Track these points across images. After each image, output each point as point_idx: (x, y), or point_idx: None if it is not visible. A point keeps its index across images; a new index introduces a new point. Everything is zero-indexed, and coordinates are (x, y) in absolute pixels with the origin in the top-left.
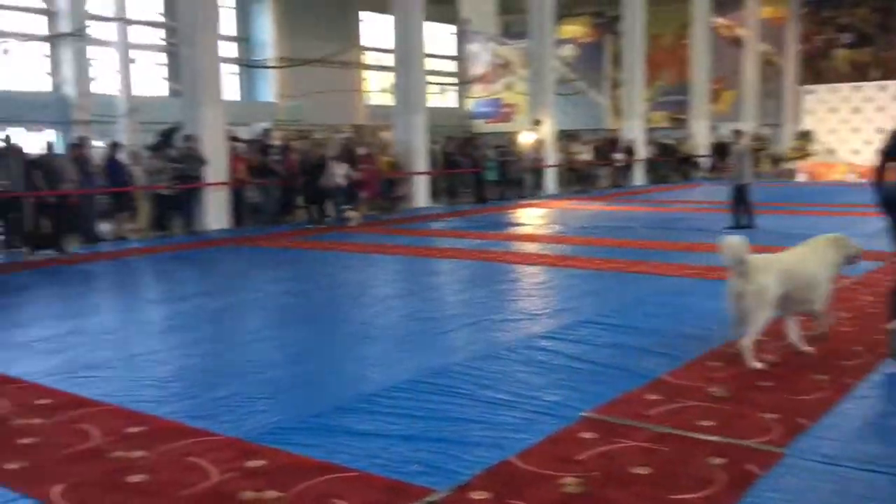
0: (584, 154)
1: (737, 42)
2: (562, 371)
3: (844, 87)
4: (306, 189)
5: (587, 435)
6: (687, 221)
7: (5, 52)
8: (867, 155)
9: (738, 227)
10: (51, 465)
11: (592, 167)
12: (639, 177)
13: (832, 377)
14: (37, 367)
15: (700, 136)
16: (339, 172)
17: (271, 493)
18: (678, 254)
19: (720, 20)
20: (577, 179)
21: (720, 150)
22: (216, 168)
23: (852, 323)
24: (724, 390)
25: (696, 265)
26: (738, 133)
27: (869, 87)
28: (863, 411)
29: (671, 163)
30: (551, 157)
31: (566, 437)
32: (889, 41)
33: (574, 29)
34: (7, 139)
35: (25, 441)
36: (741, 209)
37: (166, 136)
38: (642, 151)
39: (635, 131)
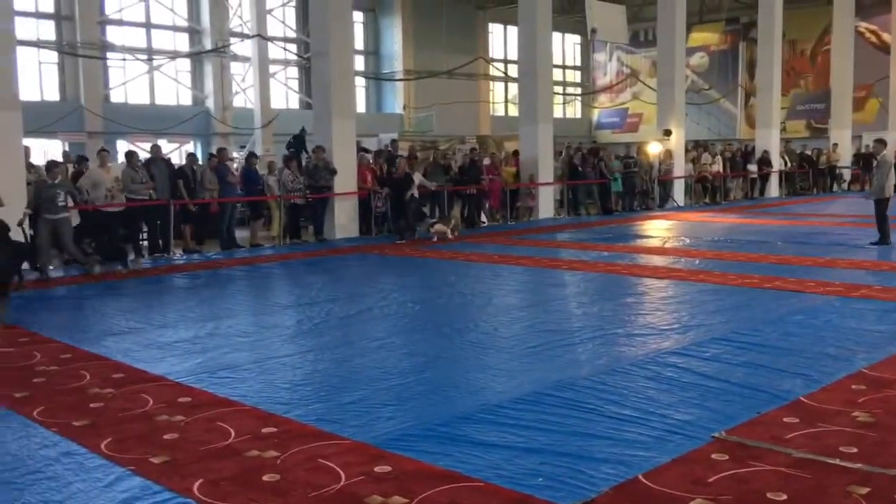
0: (716, 165)
1: (883, 47)
2: (692, 389)
3: None
4: (392, 204)
5: (719, 457)
6: (827, 236)
7: (155, 68)
8: None
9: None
10: (191, 460)
11: (724, 179)
12: (774, 189)
13: None
14: (179, 366)
15: (841, 147)
16: (414, 182)
17: (398, 499)
18: (818, 270)
19: (864, 24)
20: (707, 191)
21: (863, 161)
22: (345, 178)
23: None
24: (869, 415)
25: (838, 282)
26: (880, 143)
27: None
28: None
29: (809, 174)
30: (680, 167)
31: (697, 457)
32: None
33: (705, 36)
34: (155, 150)
35: (168, 437)
36: (886, 223)
37: (297, 142)
38: (778, 162)
39: (771, 141)
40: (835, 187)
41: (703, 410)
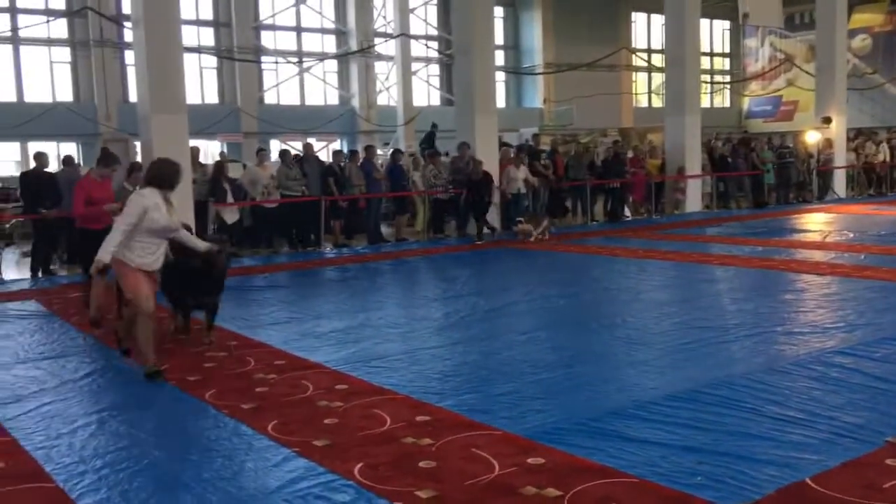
0: (881, 154)
1: None
2: (862, 391)
3: None
4: (470, 203)
5: (893, 462)
6: None
7: (305, 70)
8: None
9: None
10: (350, 444)
11: (891, 168)
12: None
13: None
14: (335, 355)
15: None
16: (519, 177)
17: (552, 491)
18: None
19: None
20: (872, 182)
21: None
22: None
23: None
24: None
25: None
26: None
27: None
28: None
29: None
30: (841, 157)
31: (870, 462)
32: None
33: (868, 17)
34: (307, 148)
35: (328, 421)
36: None
37: (428, 139)
38: None
39: None
40: None
41: (875, 413)
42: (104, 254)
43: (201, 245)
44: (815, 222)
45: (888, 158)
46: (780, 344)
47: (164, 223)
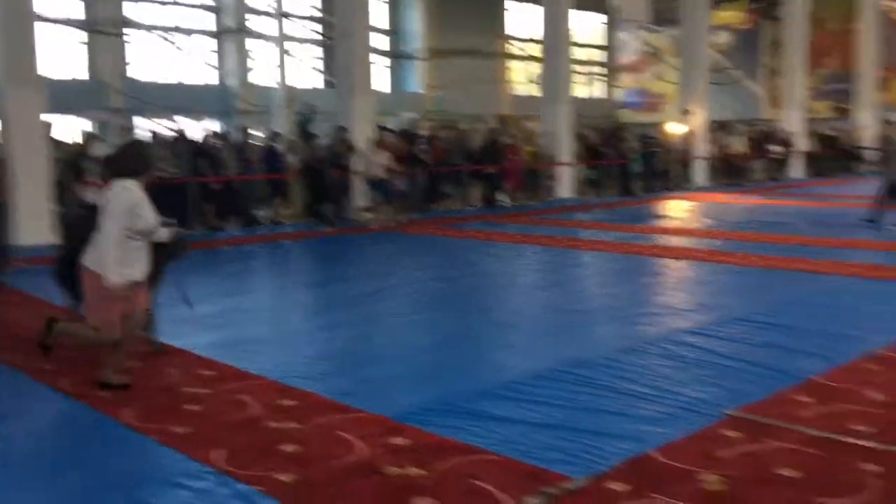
0: (738, 145)
1: None
2: (708, 368)
3: None
4: (313, 188)
5: (732, 433)
6: (849, 217)
7: (177, 47)
8: None
9: (875, 221)
10: (213, 431)
11: (746, 159)
12: (797, 170)
13: None
14: (204, 340)
15: (866, 127)
16: (381, 162)
17: (414, 471)
18: (838, 251)
19: (891, 3)
20: (729, 172)
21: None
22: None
23: None
24: (883, 395)
25: (857, 263)
26: (891, 123)
27: None
28: None
29: (833, 155)
30: (702, 148)
31: (710, 434)
32: None
33: (729, 15)
34: (180, 131)
35: (191, 408)
36: (891, 205)
37: (305, 122)
38: (802, 143)
39: (794, 122)
40: (861, 168)
41: (719, 389)
42: (113, 276)
43: (165, 233)
44: (677, 210)
45: (745, 150)
46: (638, 325)
47: (154, 220)
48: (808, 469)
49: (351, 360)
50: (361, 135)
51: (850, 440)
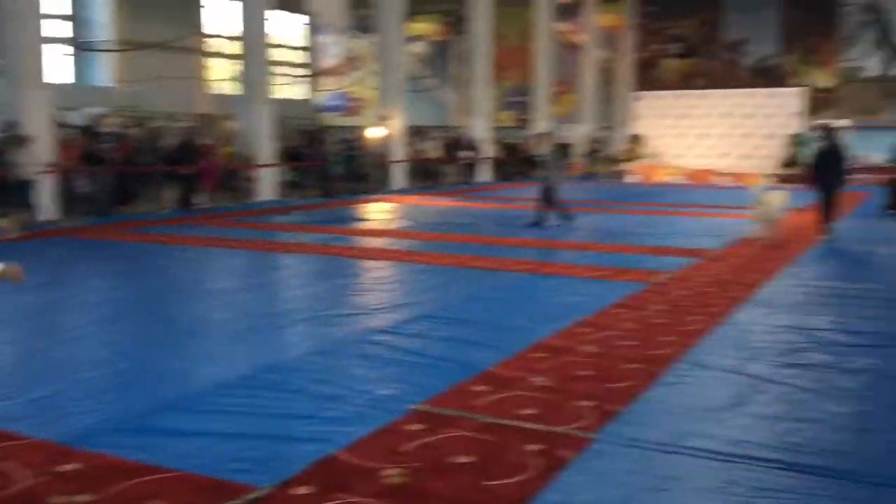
0: (432, 150)
1: (576, 48)
2: (395, 365)
3: (671, 95)
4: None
5: (414, 427)
6: (526, 218)
7: None
8: (690, 159)
9: (538, 223)
10: None
11: (440, 163)
12: (484, 174)
13: (644, 366)
14: None
15: (541, 137)
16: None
17: (83, 497)
18: (516, 249)
19: (561, 25)
20: (424, 175)
21: (560, 151)
22: (42, 155)
23: (665, 315)
24: (546, 380)
25: (532, 261)
26: (544, 136)
27: (692, 95)
28: (666, 397)
29: (516, 161)
30: (399, 152)
31: (394, 429)
32: (712, 53)
33: (425, 27)
34: None
35: None
36: (550, 207)
37: None
38: (488, 149)
39: (480, 129)
40: (535, 173)
41: (404, 384)
42: None
43: None
44: (376, 211)
45: (439, 154)
46: (332, 326)
47: None
48: (480, 454)
49: (16, 381)
50: (34, 129)
51: (517, 424)
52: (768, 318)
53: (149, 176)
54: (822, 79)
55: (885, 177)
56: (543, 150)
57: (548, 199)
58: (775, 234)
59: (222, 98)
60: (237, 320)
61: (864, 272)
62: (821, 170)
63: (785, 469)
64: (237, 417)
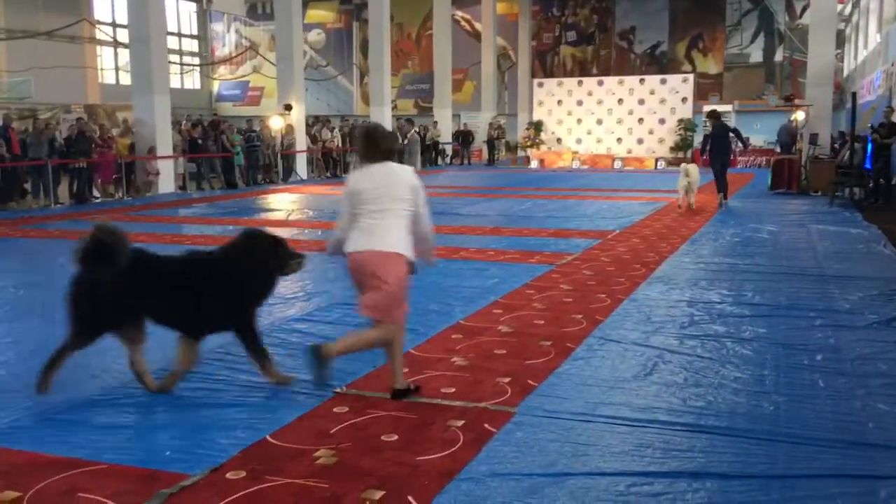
0: (336, 139)
1: (476, 35)
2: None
3: (569, 82)
4: None
5: (340, 409)
6: (433, 206)
7: None
8: (588, 144)
9: None
10: None
11: (343, 153)
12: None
13: (556, 343)
14: None
15: (443, 124)
16: None
17: (9, 494)
18: None
19: (460, 13)
20: (327, 164)
21: (463, 138)
22: None
23: (572, 295)
24: (465, 360)
25: (441, 246)
26: (408, 122)
27: (589, 82)
28: (579, 371)
29: (420, 149)
30: (302, 142)
31: (321, 413)
32: (606, 41)
33: (322, 14)
34: None
35: None
36: None
37: None
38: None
39: (383, 118)
40: (439, 161)
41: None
42: None
43: None
44: (281, 202)
45: (341, 144)
46: None
47: None
48: (406, 432)
49: None
50: None
51: (441, 402)
52: (668, 293)
53: (39, 170)
54: (709, 65)
55: (770, 158)
56: (410, 136)
57: None
58: (693, 202)
59: (116, 88)
60: None
61: (751, 249)
62: (710, 152)
63: (690, 431)
64: (162, 409)
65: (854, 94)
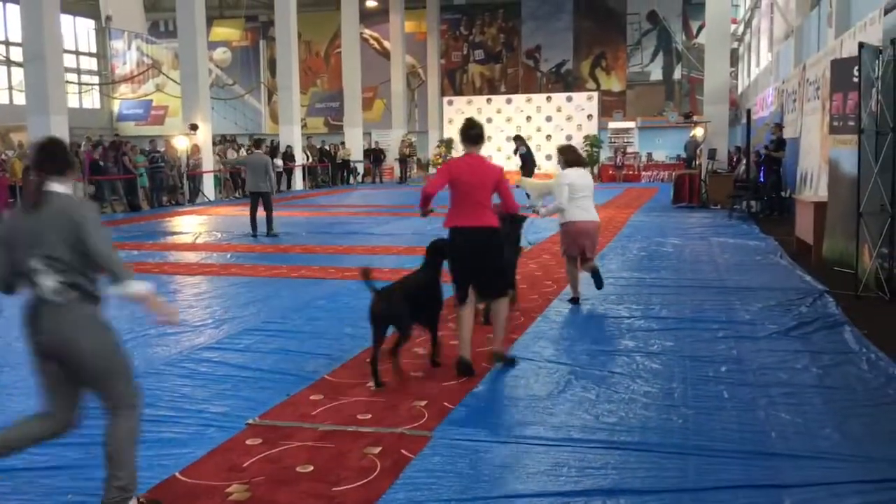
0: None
1: (385, 53)
2: (227, 381)
3: (478, 99)
4: None
5: (253, 441)
6: (345, 225)
7: None
8: (499, 161)
9: (256, 234)
10: None
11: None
12: (298, 182)
13: (472, 363)
14: None
15: (353, 143)
16: None
17: None
18: (338, 257)
19: (368, 32)
20: (235, 185)
21: (374, 156)
22: None
23: None
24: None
25: (354, 267)
26: (257, 143)
27: (498, 100)
28: (495, 391)
29: (329, 168)
30: (209, 162)
31: (232, 446)
32: (513, 59)
33: (228, 32)
34: None
35: None
36: (262, 215)
37: None
38: (301, 157)
39: (293, 137)
40: (350, 180)
41: (238, 400)
42: None
43: None
44: (188, 224)
45: None
46: (154, 346)
47: None
48: (322, 462)
49: None
50: None
51: (356, 429)
52: (579, 309)
53: None
54: (613, 83)
55: (672, 172)
56: (254, 157)
57: (256, 207)
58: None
59: (9, 108)
60: None
61: (657, 262)
62: None
63: (604, 447)
64: (61, 448)
65: (749, 111)
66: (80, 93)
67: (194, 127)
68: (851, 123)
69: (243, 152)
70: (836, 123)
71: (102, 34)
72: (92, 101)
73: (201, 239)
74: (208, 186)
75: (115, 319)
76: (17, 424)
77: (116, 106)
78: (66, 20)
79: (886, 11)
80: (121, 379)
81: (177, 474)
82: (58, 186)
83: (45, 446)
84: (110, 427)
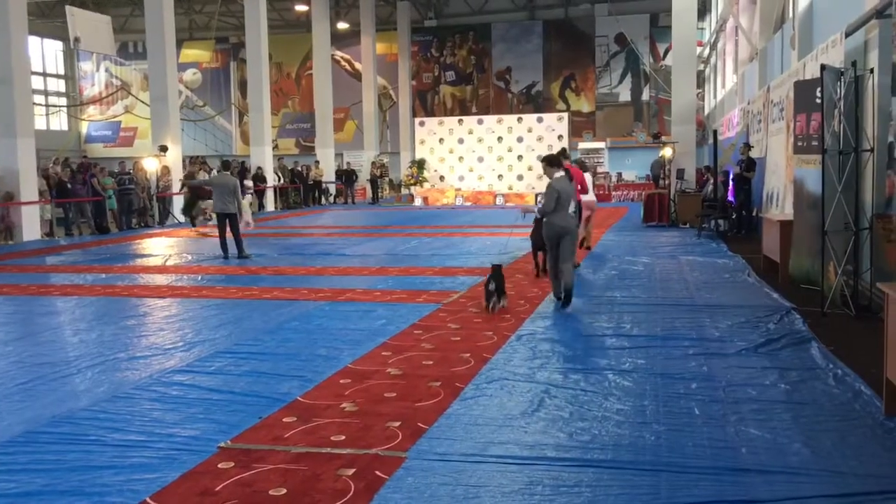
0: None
1: (356, 75)
2: (198, 404)
3: (449, 120)
4: None
5: (225, 465)
6: (317, 246)
7: None
8: (470, 182)
9: (227, 256)
10: None
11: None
12: (269, 203)
13: (445, 383)
14: None
15: (325, 164)
16: None
17: None
18: (311, 278)
19: (340, 53)
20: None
21: (346, 177)
22: None
23: (460, 333)
24: (355, 405)
25: (327, 289)
26: (225, 164)
27: (469, 121)
28: (469, 410)
29: (301, 189)
30: (178, 183)
31: (204, 469)
32: (484, 81)
33: (198, 53)
34: None
35: None
36: (229, 237)
37: None
38: (272, 178)
39: (264, 158)
40: (322, 200)
41: (210, 423)
42: None
43: None
44: (158, 246)
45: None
46: (124, 370)
47: None
48: (295, 485)
49: None
50: None
51: (330, 450)
52: (552, 328)
53: None
54: (582, 104)
55: (641, 192)
56: (217, 179)
57: (224, 228)
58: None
59: None
60: (17, 371)
61: (627, 281)
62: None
63: (578, 465)
64: (30, 475)
65: (715, 132)
66: (47, 115)
67: (164, 148)
68: (815, 143)
69: (215, 173)
70: (800, 143)
71: (71, 56)
72: (60, 122)
73: (171, 261)
74: (178, 208)
75: (84, 344)
76: None
77: (85, 128)
78: (33, 42)
79: (879, 11)
80: None
81: (148, 499)
82: None
83: (14, 473)
84: None
